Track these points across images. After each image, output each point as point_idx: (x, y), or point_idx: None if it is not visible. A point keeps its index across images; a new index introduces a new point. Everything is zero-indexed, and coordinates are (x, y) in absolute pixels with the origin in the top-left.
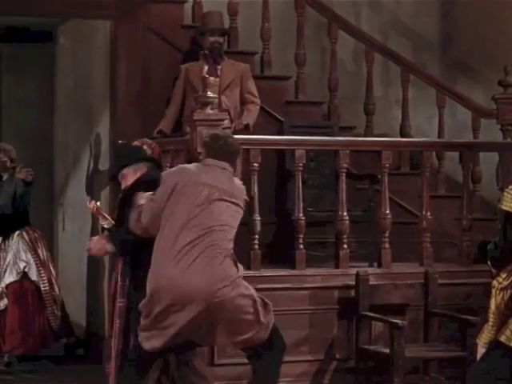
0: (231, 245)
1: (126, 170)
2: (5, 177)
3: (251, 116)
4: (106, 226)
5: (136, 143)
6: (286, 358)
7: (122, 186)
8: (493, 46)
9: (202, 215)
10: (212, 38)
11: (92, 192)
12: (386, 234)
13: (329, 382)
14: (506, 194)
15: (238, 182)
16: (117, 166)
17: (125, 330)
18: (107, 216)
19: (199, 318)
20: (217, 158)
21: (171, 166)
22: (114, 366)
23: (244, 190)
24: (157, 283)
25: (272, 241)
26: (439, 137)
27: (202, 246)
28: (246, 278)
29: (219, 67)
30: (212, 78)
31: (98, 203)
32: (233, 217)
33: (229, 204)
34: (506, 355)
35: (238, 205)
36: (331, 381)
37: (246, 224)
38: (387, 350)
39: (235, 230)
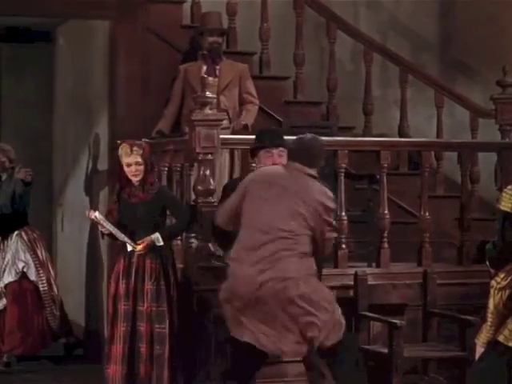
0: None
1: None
2: (4, 177)
3: (250, 116)
4: (105, 232)
5: (124, 145)
6: (288, 358)
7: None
8: (491, 46)
9: (273, 217)
10: (211, 39)
11: (91, 192)
12: (385, 234)
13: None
14: (504, 194)
15: (318, 187)
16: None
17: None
18: (106, 224)
19: None
20: (299, 162)
21: (170, 167)
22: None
23: (327, 194)
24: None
25: None
26: (438, 137)
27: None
28: None
29: (218, 67)
30: (211, 78)
31: (97, 213)
32: (300, 224)
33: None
34: (504, 355)
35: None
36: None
37: None
38: (386, 350)
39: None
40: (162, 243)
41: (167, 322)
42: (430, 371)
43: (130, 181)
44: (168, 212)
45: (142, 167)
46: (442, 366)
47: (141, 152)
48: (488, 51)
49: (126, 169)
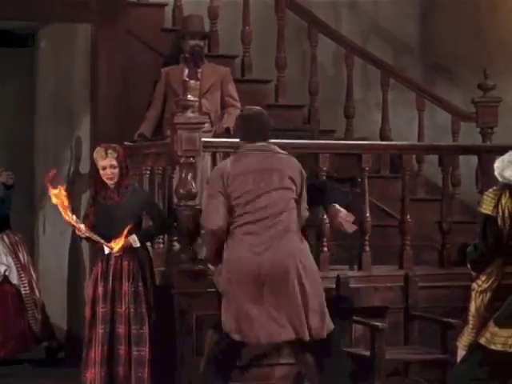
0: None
1: None
2: None
3: (232, 119)
4: (83, 236)
5: (99, 148)
6: (268, 361)
7: None
8: (472, 49)
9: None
10: (192, 42)
11: (73, 195)
12: (367, 237)
13: None
14: (485, 197)
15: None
16: None
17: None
18: (83, 227)
19: None
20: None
21: (152, 170)
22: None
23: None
24: None
25: None
26: (419, 140)
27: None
28: None
29: (200, 71)
30: (192, 82)
31: (74, 217)
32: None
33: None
34: (485, 357)
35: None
36: None
37: None
38: (368, 353)
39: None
40: (138, 245)
41: (146, 323)
42: (412, 374)
43: (106, 184)
44: (145, 214)
45: (117, 170)
46: (424, 369)
47: (115, 155)
48: (469, 54)
49: (101, 172)
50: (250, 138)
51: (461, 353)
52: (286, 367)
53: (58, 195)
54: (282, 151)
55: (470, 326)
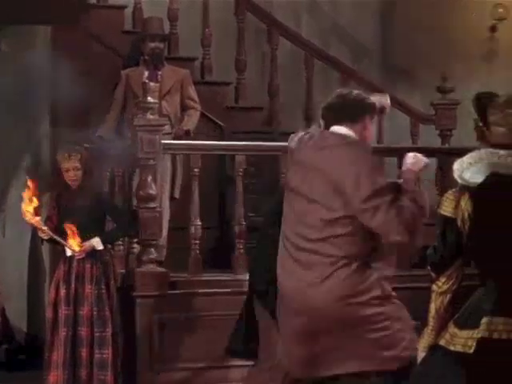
0: None
1: None
2: None
3: (192, 121)
4: (45, 238)
5: (62, 151)
6: (230, 363)
7: None
8: (430, 52)
9: None
10: (152, 44)
11: None
12: None
13: None
14: (444, 198)
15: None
16: None
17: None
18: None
19: None
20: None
21: (112, 172)
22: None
23: None
24: None
25: (213, 246)
26: (378, 142)
27: None
28: (186, 283)
29: (159, 73)
30: (152, 84)
31: (38, 218)
32: None
33: None
34: (445, 358)
35: None
36: None
37: (185, 229)
38: None
39: None
40: (101, 247)
41: (109, 326)
42: (372, 375)
43: (69, 186)
44: (108, 217)
45: (80, 172)
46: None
47: (79, 157)
48: (427, 57)
49: (64, 174)
50: None
51: (421, 355)
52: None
53: (28, 194)
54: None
55: (430, 327)
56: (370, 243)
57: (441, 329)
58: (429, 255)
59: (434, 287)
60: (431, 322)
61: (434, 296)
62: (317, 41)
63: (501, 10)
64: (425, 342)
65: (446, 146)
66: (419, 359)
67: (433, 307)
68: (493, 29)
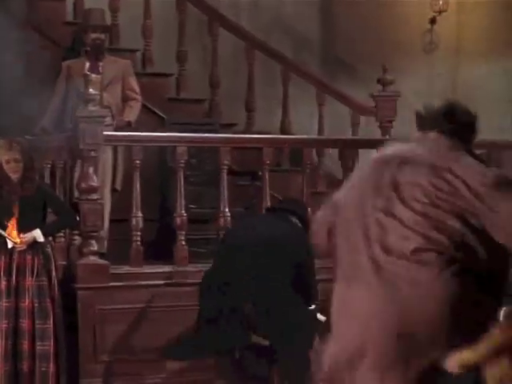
0: None
1: None
2: None
3: (133, 113)
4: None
5: (3, 141)
6: None
7: None
8: (371, 45)
9: None
10: (93, 35)
11: None
12: None
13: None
14: None
15: None
16: None
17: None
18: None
19: None
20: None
21: (53, 164)
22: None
23: None
24: None
25: (154, 238)
26: (319, 134)
27: None
28: (127, 275)
29: (101, 64)
30: (94, 75)
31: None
32: None
33: None
34: None
35: None
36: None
37: (126, 220)
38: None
39: None
40: (42, 239)
41: (51, 318)
42: None
43: (10, 178)
44: (49, 209)
45: (21, 164)
46: None
47: (20, 149)
48: (368, 49)
49: (4, 166)
50: None
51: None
52: (179, 362)
53: None
54: None
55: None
56: None
57: None
58: None
59: None
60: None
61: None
62: (258, 33)
63: (440, 3)
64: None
65: (386, 137)
66: None
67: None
68: (433, 21)
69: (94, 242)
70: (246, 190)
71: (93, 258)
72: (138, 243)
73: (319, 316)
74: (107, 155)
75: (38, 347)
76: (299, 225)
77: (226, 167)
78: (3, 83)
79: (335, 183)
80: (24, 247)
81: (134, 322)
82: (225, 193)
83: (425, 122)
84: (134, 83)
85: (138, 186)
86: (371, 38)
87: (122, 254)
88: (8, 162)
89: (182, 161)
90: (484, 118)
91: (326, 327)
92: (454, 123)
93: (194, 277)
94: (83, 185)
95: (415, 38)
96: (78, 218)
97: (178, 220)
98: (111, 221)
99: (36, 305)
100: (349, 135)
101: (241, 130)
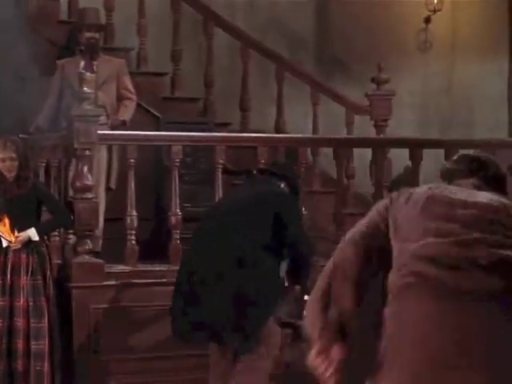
0: None
1: None
2: None
3: (127, 112)
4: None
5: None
6: (173, 353)
7: None
8: (366, 44)
9: None
10: (88, 34)
11: None
12: None
13: None
14: None
15: None
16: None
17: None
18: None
19: None
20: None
21: (47, 162)
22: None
23: None
24: None
25: (149, 237)
26: (314, 133)
27: None
28: (122, 274)
29: (95, 63)
30: (88, 74)
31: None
32: None
33: None
34: None
35: None
36: None
37: (121, 219)
38: None
39: None
40: (37, 238)
41: (46, 317)
42: None
43: (5, 176)
44: (44, 207)
45: (16, 163)
46: None
47: (15, 147)
48: (363, 48)
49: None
50: None
51: None
52: (191, 358)
53: None
54: None
55: None
56: None
57: None
58: None
59: None
60: None
61: None
62: (254, 32)
63: (435, 2)
64: None
65: (381, 136)
66: None
67: None
68: (427, 20)
69: (88, 240)
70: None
71: (87, 257)
72: (133, 242)
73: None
74: (102, 154)
75: (32, 346)
76: (286, 190)
77: (220, 166)
78: (7, 82)
79: (330, 182)
80: (19, 246)
81: (128, 320)
82: (219, 192)
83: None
84: (128, 82)
85: (133, 184)
86: (366, 37)
87: (117, 253)
88: (3, 160)
89: (177, 160)
90: (479, 117)
91: None
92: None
93: None
94: (78, 184)
95: (410, 37)
96: (72, 217)
97: (173, 219)
98: (106, 220)
99: (31, 304)
100: (343, 134)
101: (235, 129)
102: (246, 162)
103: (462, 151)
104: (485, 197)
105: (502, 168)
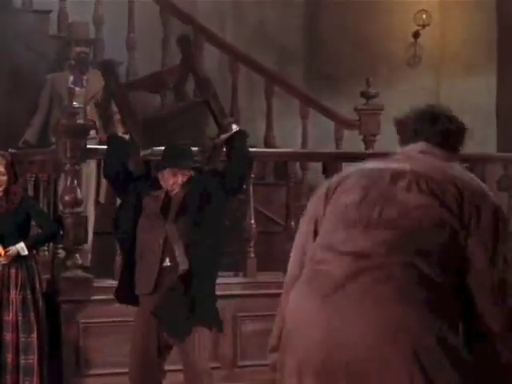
0: None
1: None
2: None
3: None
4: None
5: None
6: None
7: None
8: (355, 59)
9: None
10: (78, 49)
11: None
12: (251, 244)
13: None
14: None
15: None
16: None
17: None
18: None
19: None
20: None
21: (36, 177)
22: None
23: None
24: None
25: None
26: (303, 147)
27: None
28: (110, 288)
29: (85, 77)
30: (78, 89)
31: None
32: None
33: None
34: None
35: None
36: None
37: (110, 233)
38: None
39: None
40: (26, 253)
41: (35, 331)
42: None
43: None
44: (33, 222)
45: (5, 178)
46: None
47: (4, 162)
48: (352, 62)
49: None
50: None
51: None
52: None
53: None
54: None
55: None
56: None
57: None
58: None
59: None
60: None
61: None
62: (242, 46)
63: (424, 16)
64: None
65: (370, 150)
66: None
67: None
68: (416, 35)
69: (77, 255)
70: (230, 204)
71: (76, 272)
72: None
73: None
74: (91, 168)
75: (21, 361)
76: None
77: None
78: None
79: None
80: (8, 261)
81: (117, 335)
82: None
83: (408, 131)
84: None
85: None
86: (355, 51)
87: (106, 267)
88: None
89: None
90: (467, 132)
91: None
92: (441, 131)
93: None
94: (67, 198)
95: (399, 52)
96: (61, 231)
97: None
98: (95, 234)
99: (20, 318)
100: (332, 149)
101: None
102: None
103: None
104: None
105: (491, 182)
